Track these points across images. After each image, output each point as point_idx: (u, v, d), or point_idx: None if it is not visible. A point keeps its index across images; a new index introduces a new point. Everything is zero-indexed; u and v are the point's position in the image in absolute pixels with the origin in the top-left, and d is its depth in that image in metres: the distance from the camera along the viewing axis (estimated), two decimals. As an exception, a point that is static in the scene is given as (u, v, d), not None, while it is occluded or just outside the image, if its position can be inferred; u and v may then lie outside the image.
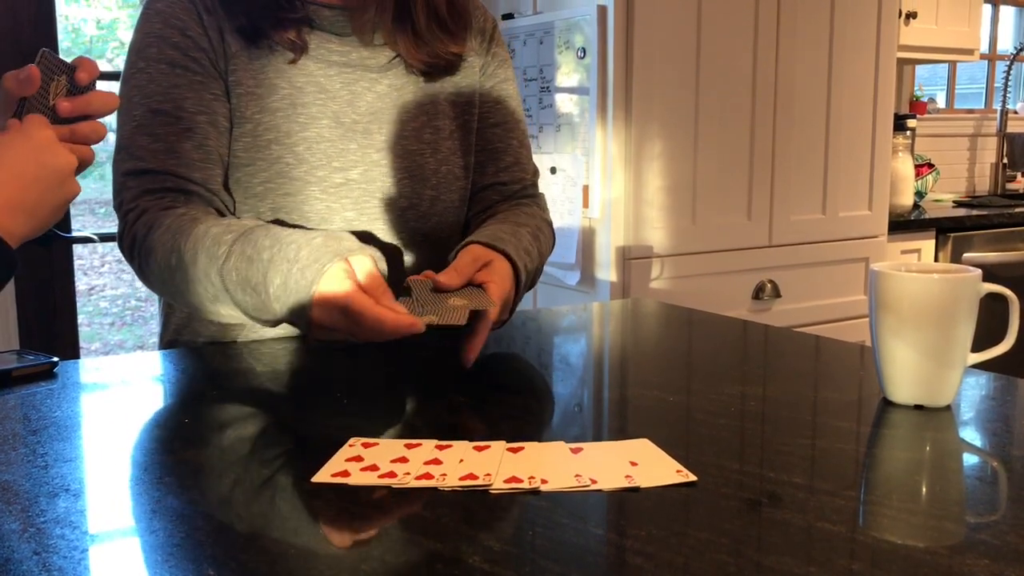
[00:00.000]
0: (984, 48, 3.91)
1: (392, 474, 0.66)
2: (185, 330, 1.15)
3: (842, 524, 0.58)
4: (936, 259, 2.79)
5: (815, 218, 2.45)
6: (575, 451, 0.71)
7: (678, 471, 0.66)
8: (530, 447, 0.71)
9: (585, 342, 1.17)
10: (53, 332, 2.19)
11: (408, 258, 1.15)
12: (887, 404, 0.83)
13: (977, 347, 0.81)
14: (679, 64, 2.17)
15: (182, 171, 1.04)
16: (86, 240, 2.31)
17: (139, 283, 1.08)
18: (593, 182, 2.17)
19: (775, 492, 0.63)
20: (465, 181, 1.19)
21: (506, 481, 0.64)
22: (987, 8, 3.89)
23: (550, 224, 1.22)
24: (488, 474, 0.65)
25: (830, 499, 0.62)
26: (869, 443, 0.75)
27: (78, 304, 2.24)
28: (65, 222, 2.18)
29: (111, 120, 0.91)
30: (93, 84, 0.84)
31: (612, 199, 2.14)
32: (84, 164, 0.84)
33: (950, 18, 3.12)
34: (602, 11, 2.10)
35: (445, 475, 0.65)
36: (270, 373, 0.98)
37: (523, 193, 1.24)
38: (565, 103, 2.22)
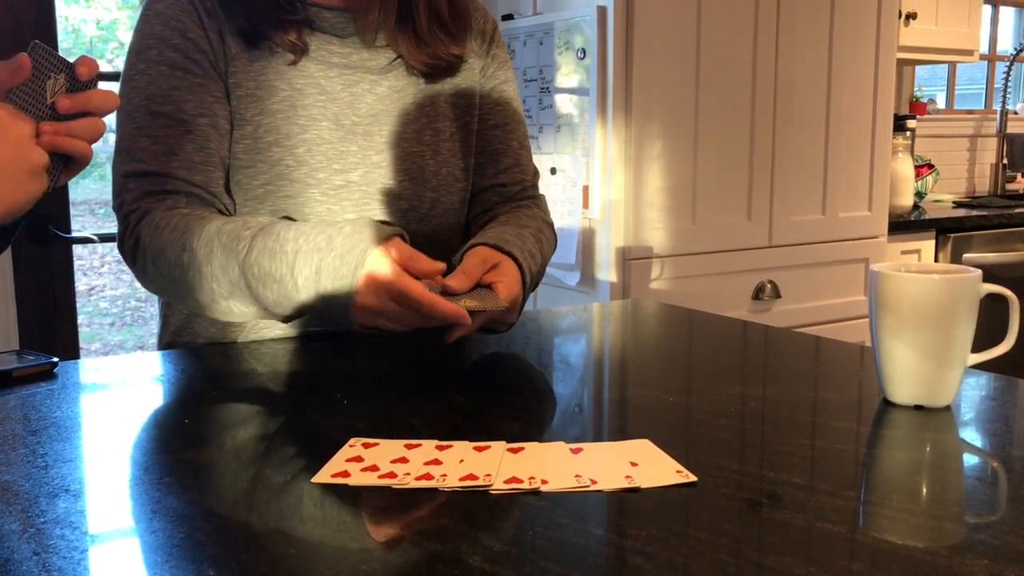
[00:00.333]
0: (984, 49, 3.91)
1: (392, 474, 0.66)
2: (184, 331, 1.15)
3: (842, 524, 0.58)
4: (936, 260, 2.79)
5: (815, 218, 2.45)
6: (575, 451, 0.71)
7: (678, 471, 0.66)
8: (530, 447, 0.71)
9: (585, 343, 1.17)
10: (53, 332, 2.19)
11: None
12: (887, 404, 0.83)
13: (977, 347, 0.81)
14: (679, 64, 2.17)
15: (183, 173, 1.04)
16: (86, 240, 2.31)
17: (139, 284, 1.08)
18: (593, 183, 2.17)
19: (775, 492, 0.63)
20: (465, 183, 1.19)
21: (506, 481, 0.64)
22: (987, 9, 3.89)
23: (551, 225, 1.22)
24: (488, 474, 0.65)
25: (830, 499, 0.62)
26: (869, 443, 0.75)
27: (78, 304, 2.24)
28: (65, 222, 2.18)
29: (111, 119, 0.91)
30: (94, 82, 0.83)
31: (612, 200, 2.14)
32: (82, 162, 0.84)
33: (950, 19, 3.12)
34: (602, 12, 2.10)
35: (445, 475, 0.65)
36: (270, 373, 0.98)
37: (523, 195, 1.24)
38: (565, 104, 2.22)
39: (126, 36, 1.11)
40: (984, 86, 4.09)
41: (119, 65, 1.10)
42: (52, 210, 2.15)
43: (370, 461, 0.69)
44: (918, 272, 0.79)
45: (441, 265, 0.93)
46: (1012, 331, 0.79)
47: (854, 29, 2.44)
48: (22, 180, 0.78)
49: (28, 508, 0.61)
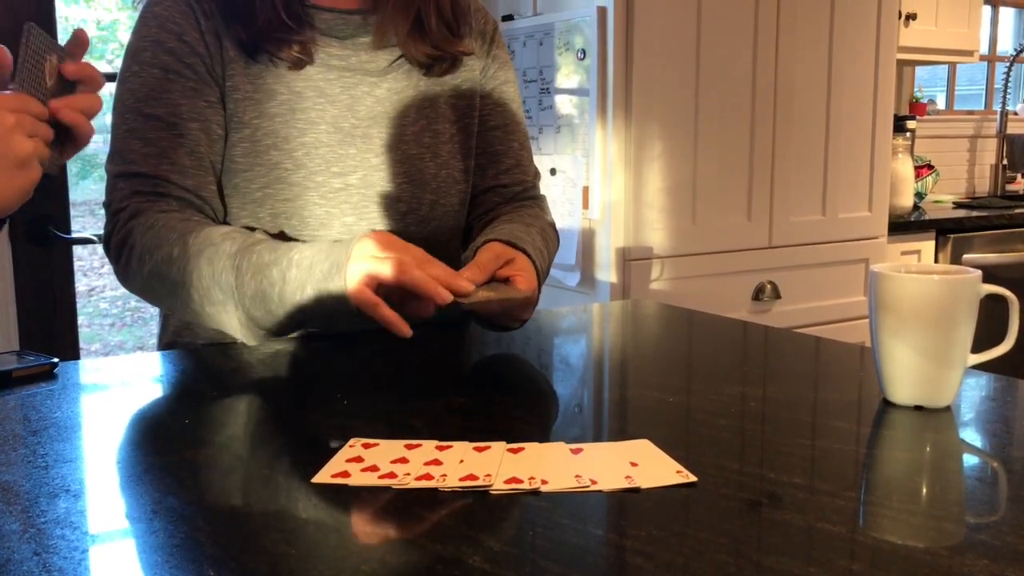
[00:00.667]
0: (984, 49, 3.91)
1: (392, 475, 0.66)
2: (184, 332, 1.15)
3: (842, 524, 0.58)
4: (936, 260, 2.79)
5: (815, 219, 2.45)
6: (575, 452, 0.71)
7: (678, 472, 0.66)
8: (530, 448, 0.71)
9: (585, 343, 1.17)
10: (53, 333, 2.19)
11: None
12: (887, 405, 0.83)
13: (977, 348, 0.81)
14: (679, 65, 2.17)
15: (174, 177, 1.04)
16: (86, 241, 2.31)
17: (119, 282, 1.07)
18: (593, 183, 2.17)
19: (775, 492, 0.63)
20: (465, 185, 1.19)
21: (506, 482, 0.64)
22: (987, 9, 3.89)
23: (553, 226, 1.22)
24: (488, 475, 0.65)
25: (830, 499, 0.62)
26: (869, 444, 0.75)
27: (78, 305, 2.24)
28: (65, 223, 2.18)
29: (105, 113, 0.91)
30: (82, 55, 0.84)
31: (612, 200, 2.14)
32: (84, 139, 0.84)
33: (950, 19, 3.12)
34: (602, 12, 2.10)
35: (445, 476, 0.65)
36: (270, 373, 0.98)
37: (524, 195, 1.24)
38: (565, 104, 2.22)
39: (126, 37, 1.11)
40: (984, 87, 4.09)
41: (119, 65, 1.09)
42: (52, 211, 2.15)
43: (370, 461, 0.69)
44: (918, 273, 0.79)
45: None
46: (1012, 332, 0.79)
47: (854, 29, 2.44)
48: (8, 171, 0.78)
49: (28, 508, 0.61)
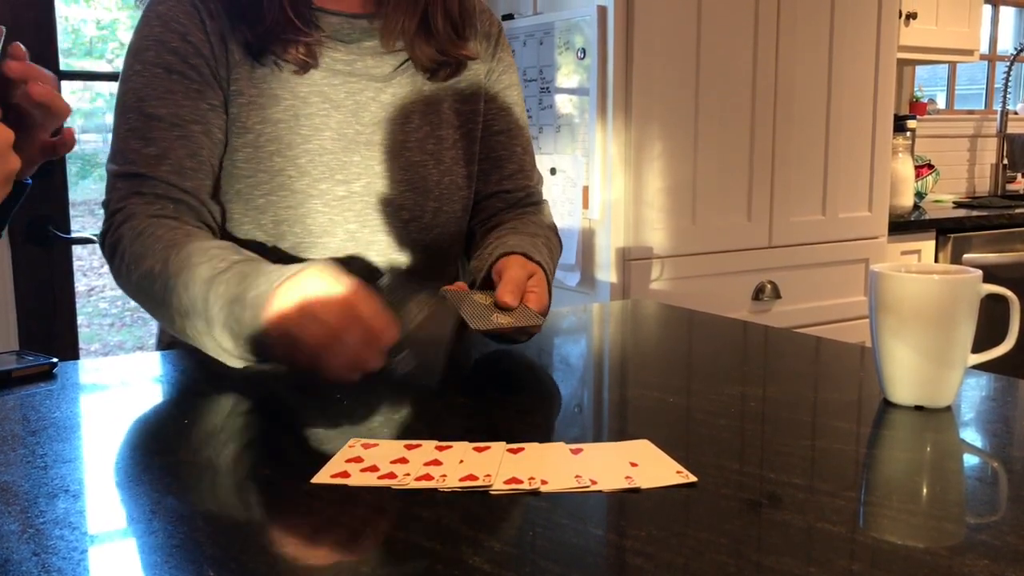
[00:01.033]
0: (984, 49, 3.91)
1: (392, 475, 0.66)
2: (184, 333, 1.14)
3: (842, 525, 0.58)
4: (936, 260, 2.79)
5: (815, 219, 2.45)
6: (575, 452, 0.71)
7: (678, 472, 0.66)
8: (530, 448, 0.71)
9: (585, 343, 1.17)
10: (52, 333, 2.19)
11: (407, 268, 1.15)
12: (887, 405, 0.83)
13: (977, 348, 0.81)
14: (679, 65, 2.17)
15: (173, 179, 1.03)
16: (86, 241, 2.31)
17: (115, 282, 1.06)
18: (593, 183, 2.17)
19: (775, 493, 0.63)
20: (468, 191, 1.19)
21: (506, 482, 0.64)
22: (987, 9, 3.89)
23: (556, 232, 1.22)
24: (488, 475, 0.65)
25: (830, 500, 0.62)
26: (869, 444, 0.75)
27: (77, 305, 2.24)
28: (64, 223, 2.18)
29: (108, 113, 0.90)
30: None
31: (612, 200, 2.14)
32: (59, 115, 0.82)
33: (950, 19, 3.12)
34: (602, 12, 2.10)
35: (445, 476, 0.65)
36: (270, 373, 0.98)
37: (527, 201, 1.23)
38: (565, 104, 2.22)
39: (126, 36, 1.11)
40: (984, 86, 4.09)
41: (119, 65, 1.09)
42: (52, 211, 2.15)
43: (370, 462, 0.68)
44: (918, 272, 0.79)
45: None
46: (1012, 331, 0.79)
47: (854, 29, 2.44)
48: None
49: (27, 509, 0.61)
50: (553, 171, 2.26)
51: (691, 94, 2.20)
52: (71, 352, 2.23)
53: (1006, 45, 4.17)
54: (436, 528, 0.58)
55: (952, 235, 2.81)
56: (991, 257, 2.84)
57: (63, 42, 2.21)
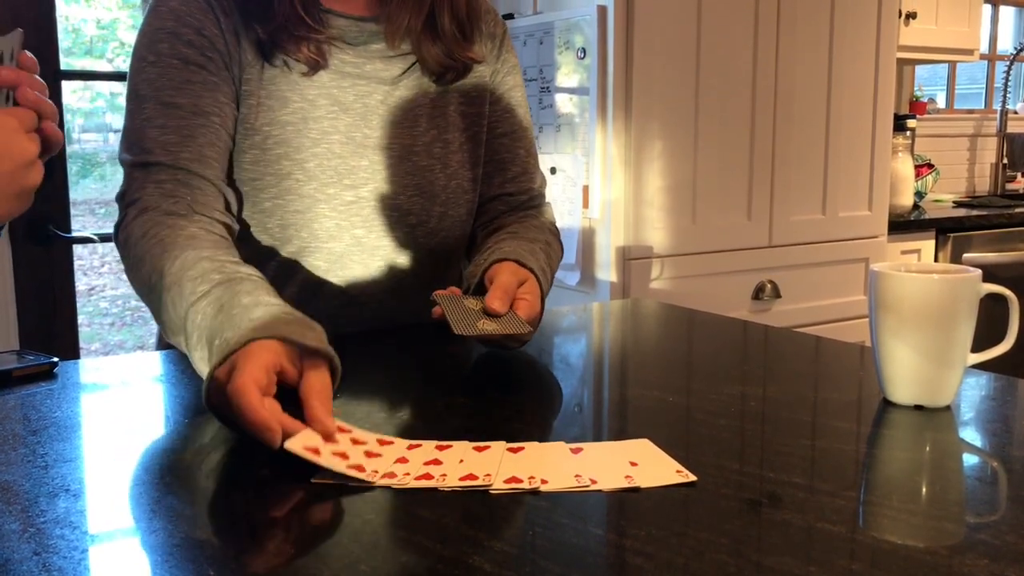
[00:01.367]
0: (984, 48, 3.91)
1: (392, 474, 0.66)
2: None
3: (842, 524, 0.58)
4: (936, 259, 2.79)
5: (815, 218, 2.45)
6: (575, 451, 0.71)
7: (678, 471, 0.66)
8: (530, 447, 0.71)
9: (585, 342, 1.17)
10: (53, 332, 2.19)
11: (411, 272, 1.15)
12: (887, 404, 0.83)
13: (977, 347, 0.81)
14: (679, 64, 2.17)
15: (194, 166, 1.00)
16: (86, 240, 2.31)
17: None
18: (593, 182, 2.17)
19: (775, 492, 0.63)
20: (473, 194, 1.18)
21: (506, 481, 0.64)
22: (987, 8, 3.89)
23: (557, 236, 1.21)
24: (488, 474, 0.65)
25: (830, 499, 0.62)
26: (869, 443, 0.75)
27: (78, 304, 2.24)
28: (65, 222, 2.18)
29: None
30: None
31: (612, 199, 2.14)
32: (53, 146, 0.82)
33: (950, 18, 3.12)
34: (602, 11, 2.10)
35: (445, 475, 0.65)
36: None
37: (530, 204, 1.23)
38: (565, 103, 2.22)
39: (126, 35, 1.10)
40: (984, 86, 4.09)
41: (119, 65, 1.09)
42: (52, 210, 2.15)
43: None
44: (918, 272, 0.79)
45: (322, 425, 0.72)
46: (1012, 331, 0.79)
47: (854, 29, 2.44)
48: (18, 175, 0.77)
49: (28, 508, 0.61)
50: (553, 170, 2.26)
51: (691, 93, 2.20)
52: (71, 351, 2.23)
53: (1006, 44, 4.17)
54: (436, 527, 0.58)
55: (952, 234, 2.81)
56: (991, 256, 2.84)
57: (63, 41, 2.21)
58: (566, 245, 2.22)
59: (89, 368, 1.01)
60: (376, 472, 0.66)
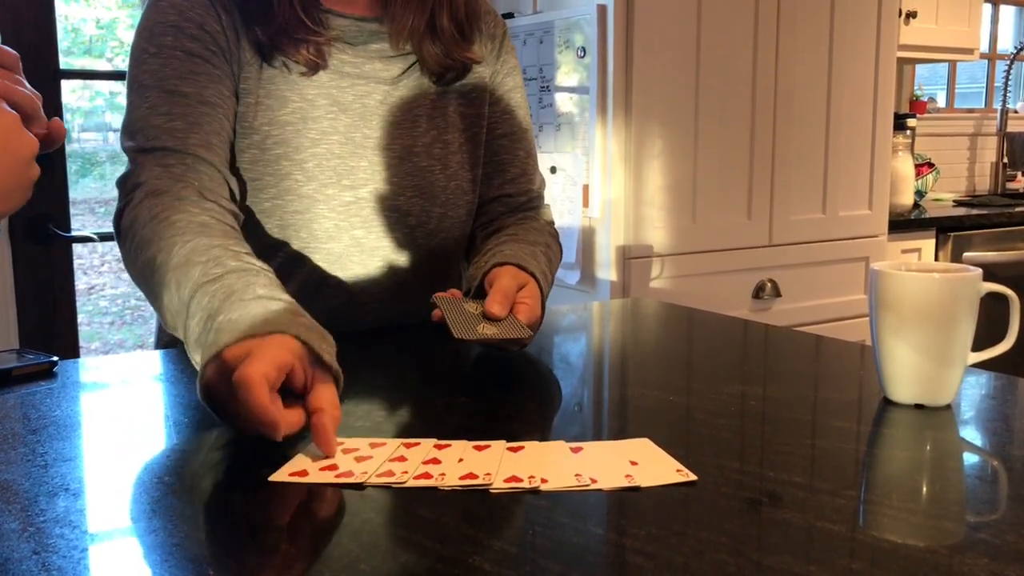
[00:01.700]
0: (984, 47, 3.91)
1: (390, 472, 0.66)
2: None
3: (842, 523, 0.58)
4: (936, 258, 2.79)
5: (815, 217, 2.44)
6: (575, 450, 0.71)
7: (678, 470, 0.66)
8: (530, 446, 0.71)
9: (585, 341, 1.17)
10: (53, 331, 2.19)
11: (411, 273, 1.14)
12: (887, 403, 0.82)
13: (977, 346, 0.81)
14: (679, 64, 2.17)
15: (202, 152, 0.99)
16: (86, 240, 2.31)
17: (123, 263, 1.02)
18: (593, 181, 2.17)
19: (775, 491, 0.63)
20: (472, 195, 1.18)
21: (506, 480, 0.64)
22: (987, 7, 3.89)
23: (556, 238, 1.21)
24: (488, 473, 0.65)
25: (830, 498, 0.62)
26: (869, 442, 0.75)
27: (78, 303, 2.24)
28: (64, 222, 2.18)
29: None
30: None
31: (612, 198, 2.14)
32: (57, 138, 0.81)
33: (950, 17, 3.12)
34: (602, 10, 2.10)
35: (444, 474, 0.65)
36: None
37: (529, 205, 1.23)
38: (565, 102, 2.22)
39: (125, 35, 1.10)
40: (984, 85, 4.09)
41: (119, 64, 1.08)
42: (52, 209, 2.15)
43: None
44: (918, 271, 0.79)
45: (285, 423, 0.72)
46: (1012, 330, 0.79)
47: (854, 28, 2.44)
48: (18, 171, 0.77)
49: (28, 507, 0.61)
50: (553, 170, 2.26)
51: (691, 92, 2.20)
52: (71, 350, 2.23)
53: (1006, 44, 4.17)
54: (436, 527, 0.58)
55: (952, 233, 2.81)
56: (991, 255, 2.84)
57: (63, 41, 2.21)
58: (566, 244, 2.22)
59: (89, 367, 1.01)
60: (366, 473, 0.66)
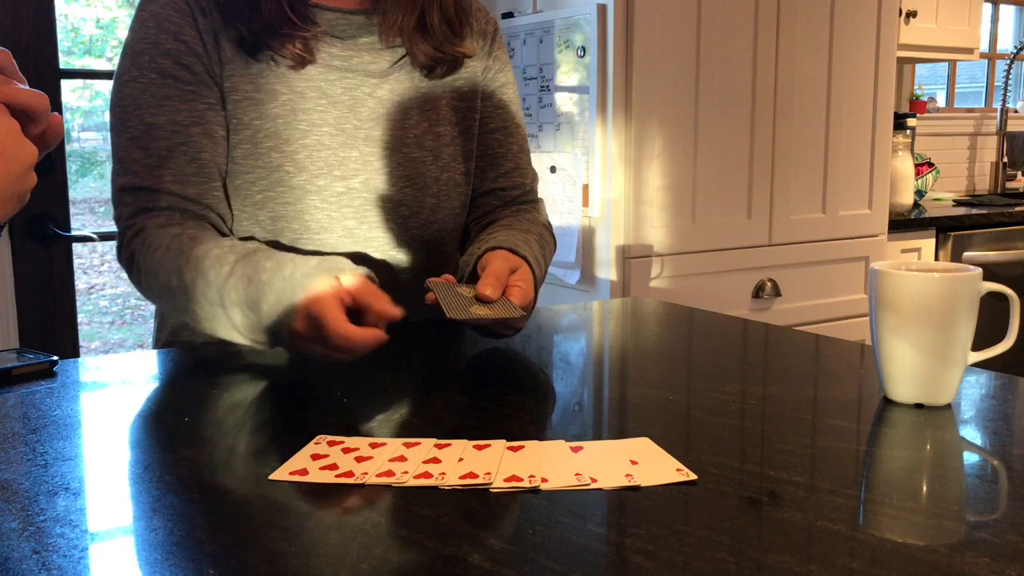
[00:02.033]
0: (984, 47, 3.91)
1: (390, 472, 0.66)
2: (182, 331, 1.14)
3: (842, 523, 0.58)
4: (936, 258, 2.79)
5: (815, 217, 2.44)
6: (575, 450, 0.71)
7: (678, 470, 0.66)
8: (530, 446, 0.71)
9: (585, 341, 1.17)
10: (53, 331, 2.19)
11: (407, 265, 1.15)
12: (887, 403, 0.83)
13: (977, 346, 0.81)
14: (679, 63, 2.17)
15: (176, 188, 1.04)
16: (86, 239, 2.31)
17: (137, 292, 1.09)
18: (593, 181, 2.17)
19: (775, 491, 0.63)
20: (466, 187, 1.19)
21: (506, 480, 0.64)
22: (987, 7, 3.89)
23: (550, 230, 1.22)
24: (488, 473, 0.65)
25: (830, 498, 0.62)
26: (869, 442, 0.75)
27: (78, 303, 2.24)
28: (64, 221, 2.17)
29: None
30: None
31: (612, 198, 2.14)
32: (55, 139, 0.82)
33: (950, 17, 3.12)
34: (602, 10, 2.10)
35: (444, 474, 0.65)
36: (270, 372, 0.98)
37: (523, 199, 1.23)
38: (565, 102, 2.22)
39: (125, 34, 1.10)
40: (984, 84, 4.09)
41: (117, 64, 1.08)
42: (52, 209, 2.15)
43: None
44: (918, 270, 0.79)
45: (395, 312, 0.89)
46: (1012, 329, 0.79)
47: (854, 28, 2.44)
48: (16, 178, 0.77)
49: (28, 506, 0.61)
50: (553, 169, 2.26)
51: (691, 92, 2.20)
52: (71, 350, 2.23)
53: (1006, 43, 4.17)
54: (436, 526, 0.58)
55: (952, 233, 2.81)
56: (991, 255, 2.84)
57: (63, 41, 2.21)
58: (566, 244, 2.22)
59: (89, 366, 1.01)
60: (366, 474, 0.66)
